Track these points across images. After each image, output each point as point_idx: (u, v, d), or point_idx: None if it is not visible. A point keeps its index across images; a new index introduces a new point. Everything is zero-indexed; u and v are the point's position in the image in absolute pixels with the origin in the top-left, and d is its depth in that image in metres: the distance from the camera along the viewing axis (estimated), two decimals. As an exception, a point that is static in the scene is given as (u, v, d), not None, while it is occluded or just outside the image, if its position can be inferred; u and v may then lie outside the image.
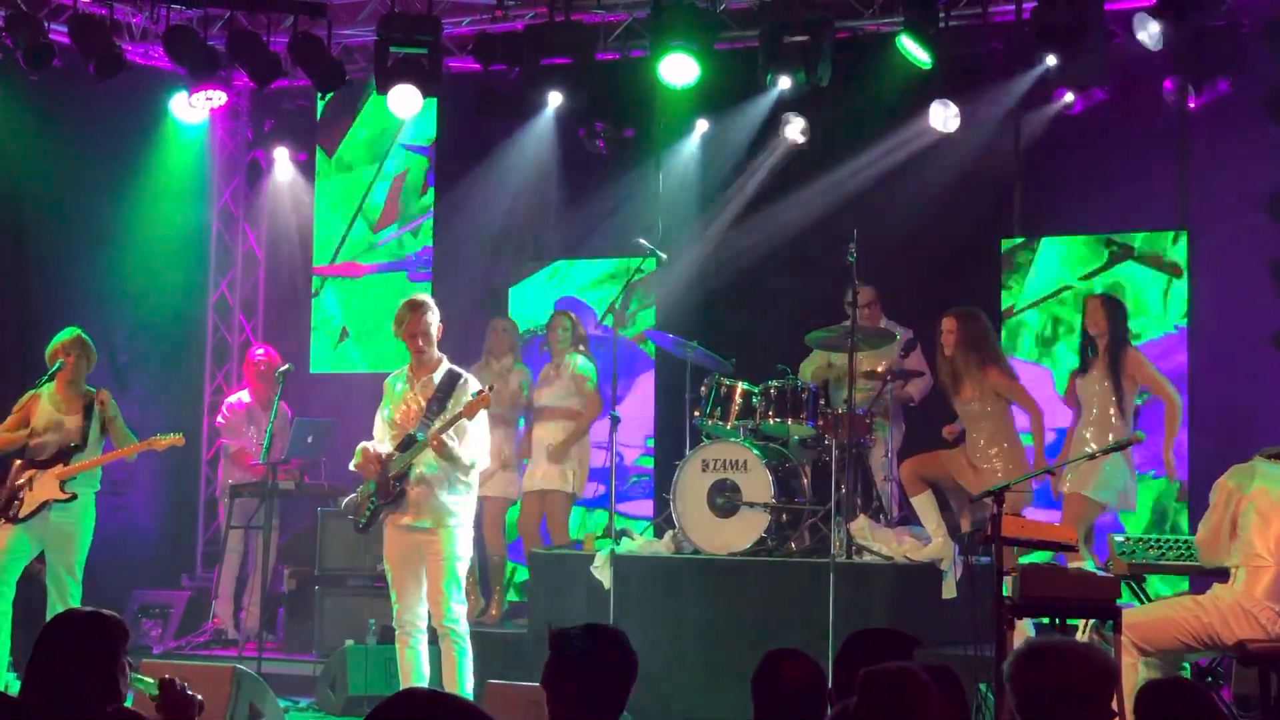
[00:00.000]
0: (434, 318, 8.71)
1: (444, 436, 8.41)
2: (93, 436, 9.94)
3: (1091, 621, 8.01)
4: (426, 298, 8.87)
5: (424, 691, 3.71)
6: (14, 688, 9.06)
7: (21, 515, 9.78)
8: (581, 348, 11.60)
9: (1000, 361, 10.05)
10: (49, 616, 9.55)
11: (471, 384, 8.66)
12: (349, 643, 10.37)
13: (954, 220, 11.64)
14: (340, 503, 11.58)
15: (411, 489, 8.58)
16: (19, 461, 9.90)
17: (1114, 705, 4.64)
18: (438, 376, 8.72)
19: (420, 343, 8.69)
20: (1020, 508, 9.43)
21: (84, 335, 10.06)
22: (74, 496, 9.79)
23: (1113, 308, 9.87)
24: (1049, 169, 11.79)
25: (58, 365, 9.90)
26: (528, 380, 11.69)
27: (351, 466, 8.80)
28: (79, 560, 9.85)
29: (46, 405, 9.97)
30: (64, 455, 9.86)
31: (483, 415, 8.61)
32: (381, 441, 8.75)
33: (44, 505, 9.77)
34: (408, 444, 8.58)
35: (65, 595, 9.70)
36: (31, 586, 10.03)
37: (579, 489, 11.56)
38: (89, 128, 12.68)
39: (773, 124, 12.13)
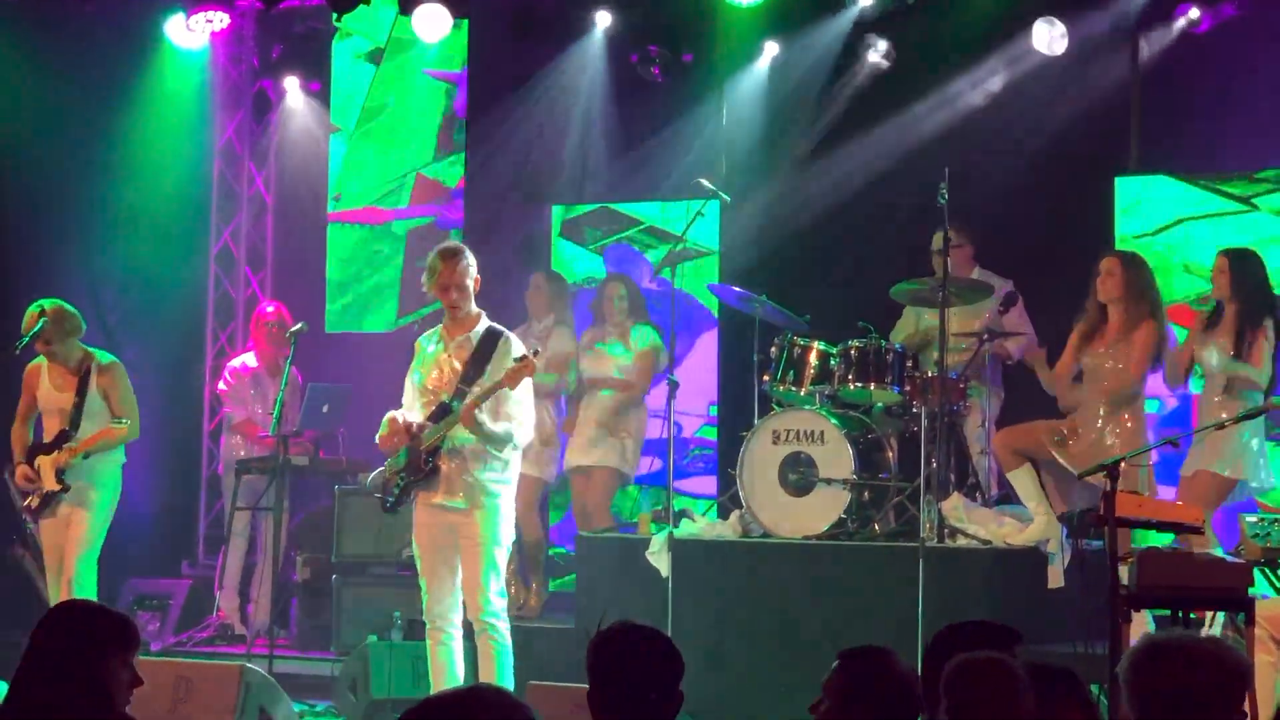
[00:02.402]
0: (470, 267, 8.70)
1: (477, 411, 8.40)
2: (86, 416, 10.01)
3: (1220, 614, 7.98)
4: (460, 245, 8.88)
5: (472, 691, 3.67)
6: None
7: (36, 509, 10.03)
8: (642, 316, 11.58)
9: (1160, 318, 9.90)
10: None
11: (514, 345, 8.64)
12: (371, 639, 10.41)
13: (1061, 157, 11.57)
14: (363, 480, 11.67)
15: (444, 464, 8.60)
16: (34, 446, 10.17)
17: (1246, 708, 4.61)
18: (475, 335, 8.72)
19: (454, 296, 8.69)
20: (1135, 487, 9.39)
21: (48, 304, 10.07)
22: (66, 488, 9.93)
23: (1242, 266, 9.72)
24: (1171, 97, 11.69)
25: (36, 329, 9.97)
26: (574, 345, 11.66)
27: (378, 439, 8.80)
28: (89, 546, 9.94)
29: (46, 384, 10.18)
30: (59, 440, 9.99)
31: (527, 384, 8.61)
32: (411, 410, 8.77)
33: (50, 498, 9.97)
34: (441, 413, 8.59)
35: (72, 586, 9.78)
36: (17, 578, 10.13)
37: (633, 466, 11.57)
38: (74, 56, 12.72)
39: (852, 47, 12.08)
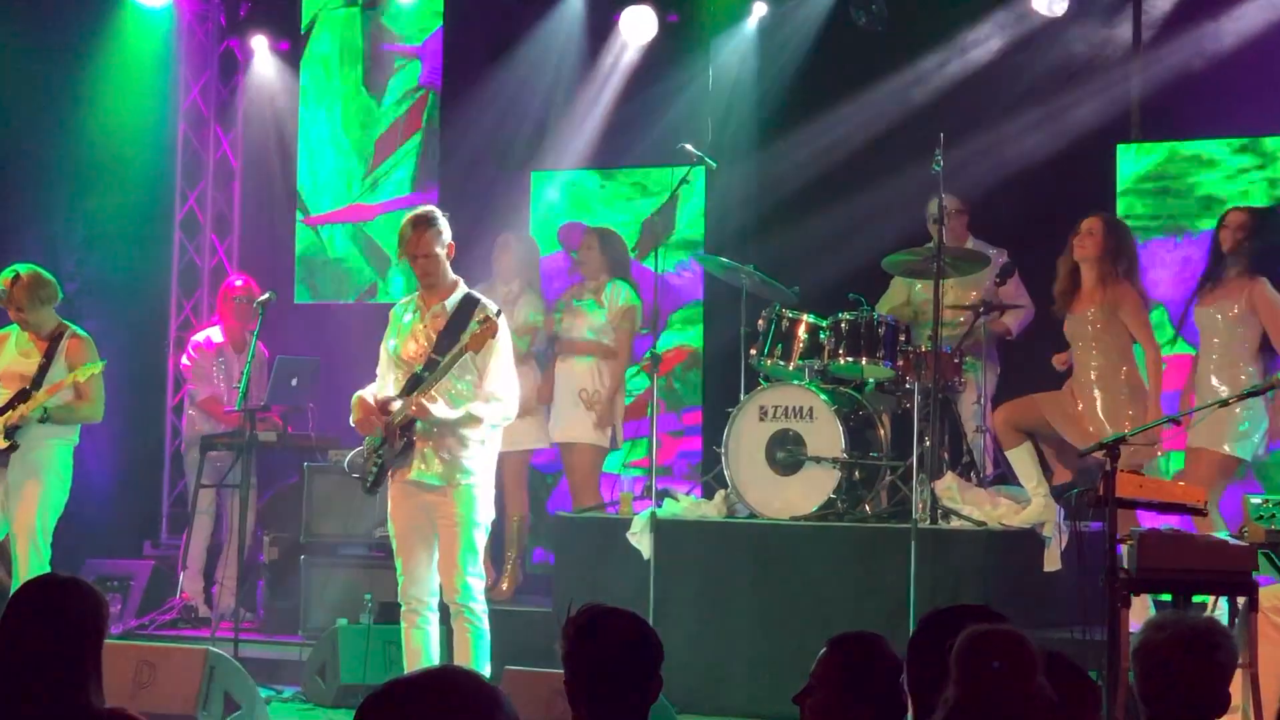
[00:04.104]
0: (443, 234, 8.67)
1: (424, 399, 8.38)
2: (49, 380, 10.00)
3: (1224, 601, 8.00)
4: (433, 210, 8.79)
5: (439, 673, 3.57)
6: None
7: None
8: (621, 273, 11.54)
9: (1136, 281, 9.95)
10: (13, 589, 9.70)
11: (488, 309, 8.60)
12: (341, 622, 10.41)
13: (1060, 122, 11.57)
14: (336, 460, 11.65)
15: (420, 440, 8.58)
16: None
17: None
18: (450, 304, 8.70)
19: (424, 264, 8.67)
20: (1143, 464, 9.41)
21: (24, 269, 10.07)
22: (14, 447, 9.89)
23: (1263, 226, 9.72)
24: (1176, 60, 11.68)
25: None
26: (542, 310, 11.64)
27: (352, 423, 8.80)
28: (39, 524, 9.93)
29: (11, 347, 10.16)
30: (17, 400, 9.98)
31: (507, 354, 8.60)
32: (385, 381, 8.76)
33: None
34: (413, 385, 8.57)
35: (27, 569, 9.79)
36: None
37: (618, 441, 11.56)
38: (30, 13, 12.66)
39: (844, 6, 12.07)
